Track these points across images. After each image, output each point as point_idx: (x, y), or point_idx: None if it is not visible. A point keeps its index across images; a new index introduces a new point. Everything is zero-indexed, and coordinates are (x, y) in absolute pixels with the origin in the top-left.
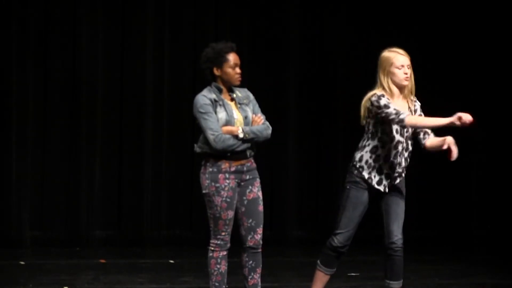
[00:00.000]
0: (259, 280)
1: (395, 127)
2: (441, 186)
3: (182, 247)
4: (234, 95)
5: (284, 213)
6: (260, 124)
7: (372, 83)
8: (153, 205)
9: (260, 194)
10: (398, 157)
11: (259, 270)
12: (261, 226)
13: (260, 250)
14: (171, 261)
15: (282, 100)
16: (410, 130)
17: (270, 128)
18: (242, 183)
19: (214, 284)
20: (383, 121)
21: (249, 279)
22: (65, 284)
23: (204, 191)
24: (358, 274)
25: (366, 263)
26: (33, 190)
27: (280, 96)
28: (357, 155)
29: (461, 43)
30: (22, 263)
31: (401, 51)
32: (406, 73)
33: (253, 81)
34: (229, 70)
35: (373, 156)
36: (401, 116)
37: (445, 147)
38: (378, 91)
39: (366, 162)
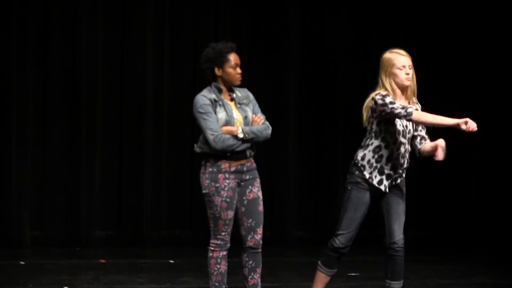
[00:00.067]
0: (259, 280)
1: (398, 128)
2: (441, 186)
3: (182, 247)
4: (234, 95)
5: (284, 213)
6: (260, 124)
7: (372, 83)
8: (153, 205)
9: (260, 194)
10: (400, 158)
11: (259, 270)
12: (261, 226)
13: (260, 250)
14: (171, 261)
15: (282, 100)
16: (412, 131)
17: (270, 128)
18: (242, 183)
19: (214, 284)
20: (387, 121)
21: (249, 279)
22: (65, 284)
23: (204, 191)
24: (358, 274)
25: (366, 263)
26: (33, 190)
27: (280, 96)
28: (360, 154)
29: (461, 43)
30: (22, 263)
31: (402, 52)
32: (407, 74)
33: (253, 81)
34: (230, 70)
35: (376, 156)
36: (409, 110)
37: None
38: (381, 91)
39: (368, 161)
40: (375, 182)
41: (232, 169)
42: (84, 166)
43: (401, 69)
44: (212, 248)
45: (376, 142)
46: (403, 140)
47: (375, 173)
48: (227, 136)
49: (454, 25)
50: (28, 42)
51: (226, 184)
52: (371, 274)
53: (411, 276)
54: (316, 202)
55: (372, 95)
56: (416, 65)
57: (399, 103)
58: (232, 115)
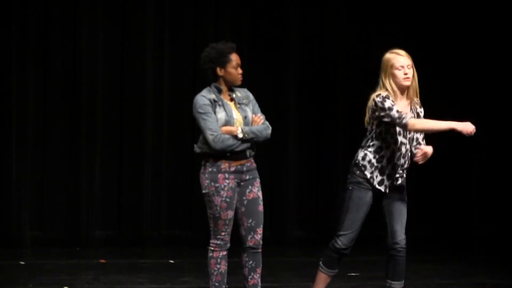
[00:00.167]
0: (259, 280)
1: (398, 128)
2: (441, 186)
3: (182, 247)
4: (234, 95)
5: (284, 213)
6: (260, 124)
7: (372, 83)
8: (153, 205)
9: (260, 194)
10: (401, 158)
11: (259, 270)
12: (261, 226)
13: (260, 250)
14: (171, 261)
15: (282, 100)
16: (413, 132)
17: (270, 128)
18: (242, 183)
19: (214, 284)
20: (387, 122)
21: (249, 279)
22: (65, 284)
23: (204, 191)
24: (358, 274)
25: (367, 263)
26: (33, 190)
27: (280, 96)
28: (360, 153)
29: (461, 43)
30: (22, 263)
31: (401, 52)
32: (406, 74)
33: (253, 81)
34: (232, 70)
35: (377, 156)
36: (404, 121)
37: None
38: (382, 92)
39: (369, 161)
40: (376, 182)
41: (232, 169)
42: (84, 166)
43: (399, 70)
44: (212, 248)
45: (377, 143)
46: (403, 140)
47: (376, 173)
48: (227, 136)
49: (454, 25)
50: (28, 42)
51: (226, 184)
52: (371, 274)
53: (411, 276)
54: (316, 202)
55: (373, 96)
56: (416, 65)
57: (397, 107)
58: (232, 115)
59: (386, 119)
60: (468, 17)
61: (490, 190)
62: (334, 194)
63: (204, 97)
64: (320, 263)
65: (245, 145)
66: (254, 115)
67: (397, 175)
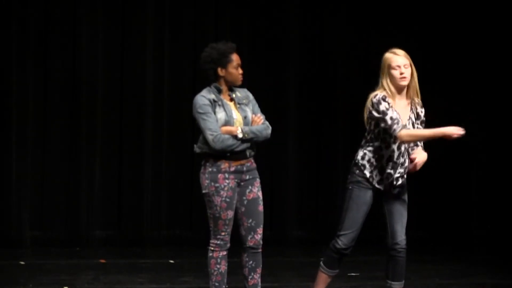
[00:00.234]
0: (259, 280)
1: None
2: (441, 186)
3: (182, 247)
4: (234, 95)
5: (284, 213)
6: (260, 124)
7: (372, 83)
8: (153, 205)
9: (260, 194)
10: (401, 157)
11: (259, 270)
12: (261, 226)
13: (260, 250)
14: (171, 261)
15: (282, 100)
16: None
17: (270, 128)
18: (242, 183)
19: (214, 284)
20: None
21: (249, 279)
22: (65, 284)
23: (204, 191)
24: (358, 274)
25: (367, 263)
26: (33, 190)
27: (280, 96)
28: (360, 153)
29: (461, 43)
30: (22, 263)
31: (399, 51)
32: (402, 73)
33: (253, 81)
34: (233, 71)
35: (376, 156)
36: (395, 133)
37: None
38: (379, 92)
39: (369, 160)
40: (375, 181)
41: (232, 169)
42: (84, 166)
43: (396, 69)
44: (212, 248)
45: (376, 142)
46: None
47: (376, 172)
48: (227, 136)
49: (454, 25)
50: (28, 42)
51: (225, 184)
52: (371, 274)
53: (411, 276)
54: (316, 202)
55: (371, 96)
56: (416, 65)
57: (392, 113)
58: (232, 115)
59: (380, 123)
60: (468, 17)
61: (490, 190)
62: (334, 194)
63: (203, 97)
64: (321, 263)
65: (245, 145)
66: (254, 115)
67: (397, 175)
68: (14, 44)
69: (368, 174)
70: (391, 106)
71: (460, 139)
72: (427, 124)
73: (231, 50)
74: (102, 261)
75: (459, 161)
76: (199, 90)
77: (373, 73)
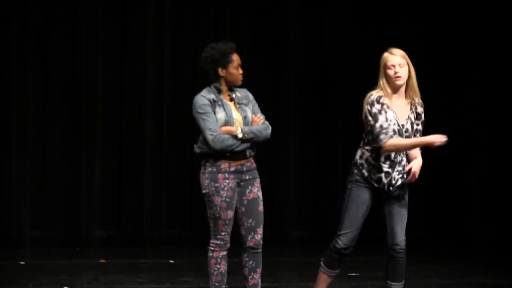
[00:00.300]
0: (259, 280)
1: (393, 127)
2: (441, 186)
3: (182, 247)
4: (234, 95)
5: (284, 213)
6: (260, 124)
7: (372, 83)
8: (153, 205)
9: (260, 194)
10: (398, 156)
11: (259, 270)
12: (261, 226)
13: (260, 250)
14: (171, 261)
15: (282, 100)
16: (410, 130)
17: (270, 128)
18: (242, 183)
19: (214, 284)
20: None
21: (249, 279)
22: (65, 284)
23: (204, 191)
24: (358, 274)
25: (367, 263)
26: (33, 190)
27: (280, 96)
28: (358, 152)
29: (461, 43)
30: (22, 263)
31: (396, 51)
32: (396, 72)
33: (253, 81)
34: (234, 71)
35: (374, 155)
36: (380, 143)
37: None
38: (375, 92)
39: (367, 160)
40: (374, 180)
41: (232, 169)
42: (84, 166)
43: (391, 69)
44: (212, 248)
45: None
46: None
47: (374, 171)
48: (226, 136)
49: (454, 25)
50: (28, 42)
51: (225, 184)
52: (371, 274)
53: (411, 276)
54: (316, 202)
55: (367, 96)
56: (416, 65)
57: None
58: (232, 115)
59: (368, 127)
60: (468, 17)
61: (490, 190)
62: (334, 194)
63: (203, 97)
64: (321, 263)
65: (245, 145)
66: (254, 115)
67: (396, 173)
68: (14, 44)
69: (366, 173)
70: (386, 108)
71: (460, 138)
72: (426, 124)
73: (232, 50)
74: (102, 261)
75: (459, 161)
76: (199, 90)
77: (373, 73)
